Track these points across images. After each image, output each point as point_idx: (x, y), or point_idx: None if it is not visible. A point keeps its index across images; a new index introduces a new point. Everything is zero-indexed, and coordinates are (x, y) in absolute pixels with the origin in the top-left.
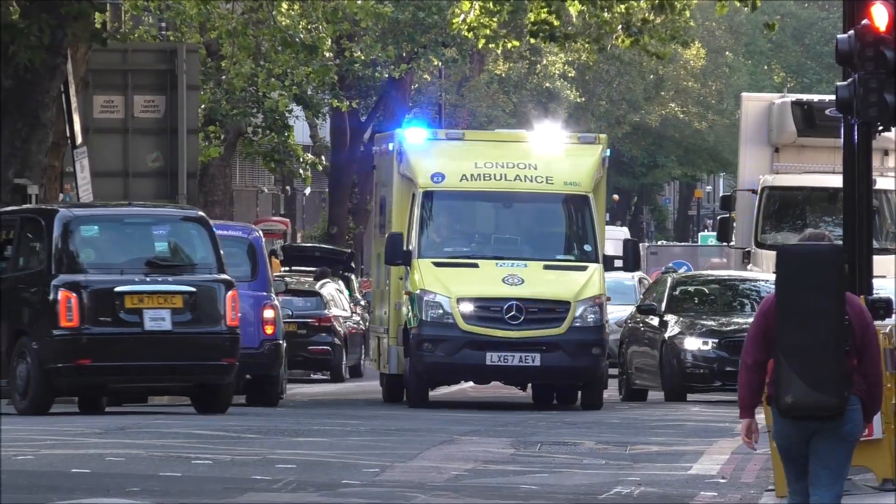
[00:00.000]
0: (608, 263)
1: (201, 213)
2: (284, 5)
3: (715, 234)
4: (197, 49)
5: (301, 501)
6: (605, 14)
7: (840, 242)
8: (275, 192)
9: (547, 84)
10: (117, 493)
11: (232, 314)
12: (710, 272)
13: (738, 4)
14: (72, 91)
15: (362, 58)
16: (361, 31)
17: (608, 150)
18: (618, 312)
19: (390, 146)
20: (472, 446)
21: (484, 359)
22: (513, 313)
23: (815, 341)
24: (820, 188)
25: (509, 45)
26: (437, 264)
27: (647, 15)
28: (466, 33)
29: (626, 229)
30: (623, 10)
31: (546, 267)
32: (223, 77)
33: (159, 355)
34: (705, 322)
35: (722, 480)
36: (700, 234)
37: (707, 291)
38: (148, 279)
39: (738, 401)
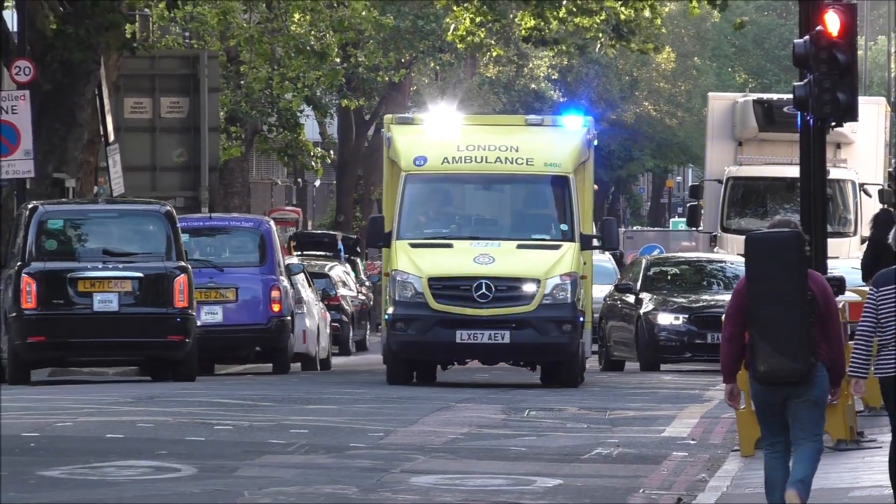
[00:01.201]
0: (586, 242)
1: (167, 209)
2: (297, 16)
3: (685, 220)
4: (218, 56)
5: (313, 462)
6: (586, 20)
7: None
8: (288, 184)
9: (533, 85)
10: (147, 455)
11: (180, 297)
12: (680, 254)
13: (707, 7)
14: (105, 94)
15: (366, 63)
16: (365, 38)
17: (594, 133)
18: (597, 292)
19: (383, 131)
20: (467, 412)
21: (454, 337)
22: (482, 291)
23: (782, 316)
24: (779, 178)
25: (495, 53)
26: (413, 245)
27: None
28: (459, 44)
29: None
30: (603, 18)
31: (520, 246)
32: (242, 81)
33: (106, 333)
34: (677, 299)
35: (692, 442)
36: (671, 220)
37: (678, 272)
38: (100, 266)
39: (721, 369)
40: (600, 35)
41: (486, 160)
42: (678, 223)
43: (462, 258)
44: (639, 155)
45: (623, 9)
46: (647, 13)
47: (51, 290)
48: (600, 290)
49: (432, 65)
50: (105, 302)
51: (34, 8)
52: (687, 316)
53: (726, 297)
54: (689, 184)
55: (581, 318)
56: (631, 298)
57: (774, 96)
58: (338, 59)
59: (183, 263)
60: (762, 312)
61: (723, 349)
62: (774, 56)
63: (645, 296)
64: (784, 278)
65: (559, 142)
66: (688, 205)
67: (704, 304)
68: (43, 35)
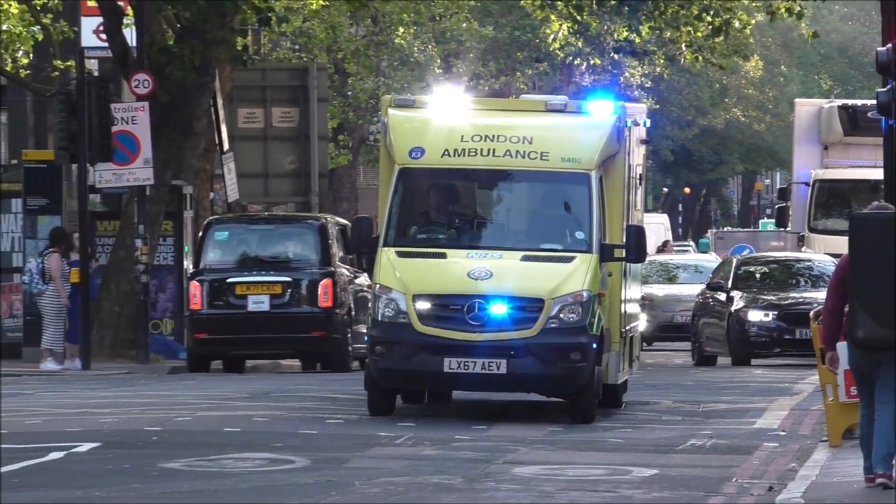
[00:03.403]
0: (607, 253)
1: (320, 223)
2: (401, 29)
3: (773, 221)
4: (326, 68)
5: (419, 454)
6: (669, 33)
7: None
8: None
9: (627, 93)
10: (263, 448)
11: (324, 297)
12: (769, 254)
13: (787, 18)
14: (220, 104)
15: (466, 72)
16: (466, 49)
17: (629, 121)
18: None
19: (380, 115)
20: (566, 405)
21: (442, 365)
22: (475, 312)
23: (881, 288)
24: (864, 180)
25: (593, 62)
26: (400, 254)
27: (706, 38)
28: (560, 53)
29: (665, 217)
30: (689, 31)
31: (525, 258)
32: (349, 91)
33: (258, 330)
34: (766, 297)
35: (782, 433)
36: (760, 221)
37: (767, 270)
38: (254, 272)
39: (822, 339)
40: (688, 48)
41: (493, 153)
42: (767, 224)
43: (454, 272)
44: (729, 159)
45: (705, 23)
46: (736, 24)
47: (213, 293)
48: (697, 288)
49: (530, 73)
50: (258, 303)
51: (152, 23)
52: (776, 313)
53: (814, 294)
54: (778, 186)
55: (594, 345)
56: (722, 296)
57: (858, 102)
58: (440, 70)
59: (330, 269)
60: (862, 284)
61: (825, 320)
62: (858, 63)
63: (736, 294)
64: (884, 253)
65: (582, 132)
66: (776, 206)
67: (793, 301)
68: (159, 49)
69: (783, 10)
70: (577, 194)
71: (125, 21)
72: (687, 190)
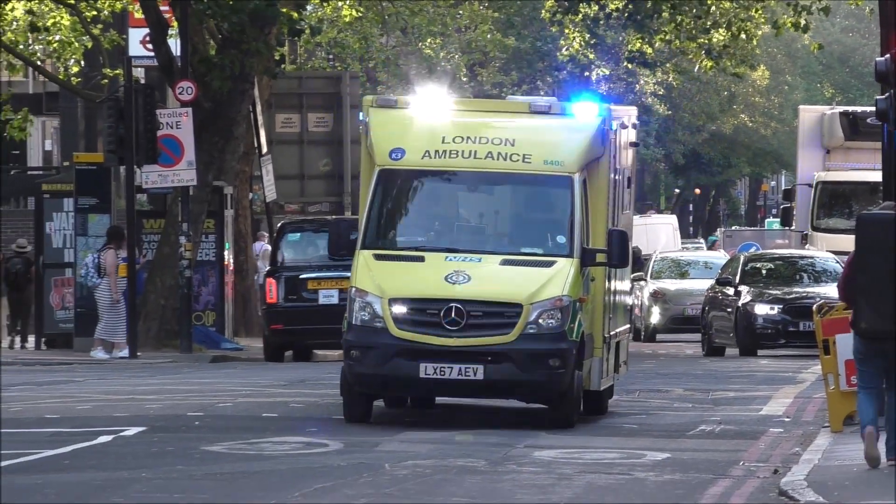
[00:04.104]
0: (589, 258)
1: None
2: (428, 40)
3: (779, 220)
4: (358, 76)
5: (447, 438)
6: (683, 43)
7: None
8: None
9: (641, 100)
10: (299, 433)
11: None
12: (774, 251)
13: (792, 30)
14: (258, 110)
15: (491, 80)
16: (490, 59)
17: (614, 124)
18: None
19: (360, 115)
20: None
21: (417, 370)
22: (451, 317)
23: (883, 282)
24: (863, 182)
25: (603, 72)
26: (378, 257)
27: (725, 43)
28: (569, 63)
29: (674, 217)
30: (706, 40)
31: (504, 262)
32: None
33: (328, 321)
34: (772, 291)
35: (786, 419)
36: (766, 220)
37: (773, 267)
38: (324, 269)
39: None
40: (700, 56)
41: (474, 155)
42: (772, 223)
43: (431, 275)
44: (737, 162)
45: (720, 32)
46: (742, 36)
47: (288, 289)
48: (707, 283)
49: (550, 81)
50: (328, 297)
51: (195, 35)
52: (781, 306)
53: (817, 289)
54: (783, 188)
55: (574, 351)
56: (730, 291)
57: (859, 109)
58: (466, 79)
59: None
60: (866, 278)
61: (841, 297)
62: (858, 73)
63: (743, 288)
64: (885, 250)
65: (565, 134)
66: (781, 206)
67: (797, 295)
68: (202, 58)
69: (789, 24)
70: (559, 197)
71: (170, 32)
72: (697, 191)
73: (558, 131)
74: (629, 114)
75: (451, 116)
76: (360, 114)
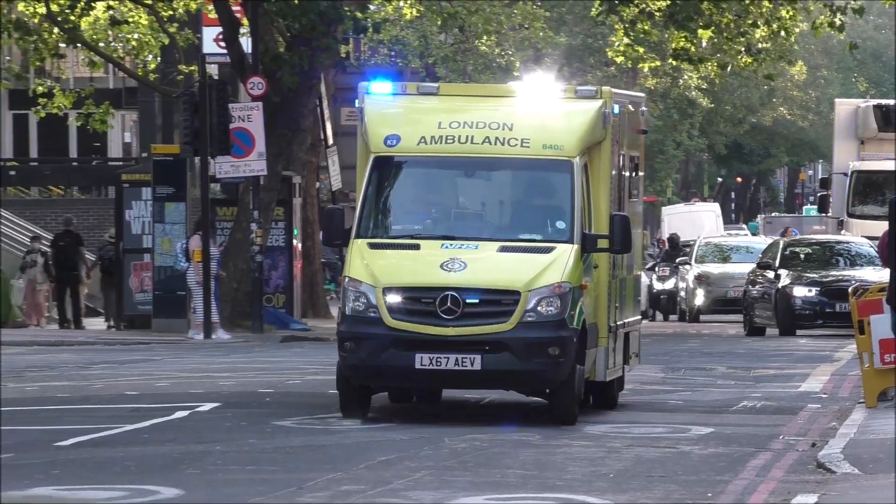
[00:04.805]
0: (590, 243)
1: None
2: (485, 37)
3: (816, 207)
4: (419, 71)
5: (503, 414)
6: (730, 43)
7: None
8: None
9: (686, 94)
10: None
11: None
12: (812, 237)
13: (828, 30)
14: (325, 104)
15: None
16: (543, 55)
17: (616, 107)
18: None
19: (357, 102)
20: (631, 372)
21: (413, 361)
22: (447, 306)
23: None
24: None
25: (651, 65)
26: (372, 246)
27: (764, 41)
28: (618, 58)
29: (716, 205)
30: (745, 41)
31: (502, 249)
32: None
33: None
34: (810, 274)
35: (824, 395)
36: (804, 207)
37: (810, 251)
38: None
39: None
40: (739, 54)
41: (471, 140)
42: (810, 210)
43: (426, 264)
44: (776, 152)
45: (759, 30)
46: (782, 33)
47: None
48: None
49: (600, 75)
50: None
51: (265, 33)
52: (819, 289)
53: (852, 272)
54: (819, 176)
55: (575, 339)
56: (771, 274)
57: (891, 102)
58: (520, 74)
59: None
60: None
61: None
62: (891, 68)
63: (782, 272)
64: None
65: (565, 118)
66: (818, 194)
67: (833, 278)
68: (271, 55)
69: (826, 23)
70: (558, 182)
71: (241, 31)
72: (739, 180)
73: (557, 115)
74: (637, 100)
75: (448, 102)
76: (356, 101)
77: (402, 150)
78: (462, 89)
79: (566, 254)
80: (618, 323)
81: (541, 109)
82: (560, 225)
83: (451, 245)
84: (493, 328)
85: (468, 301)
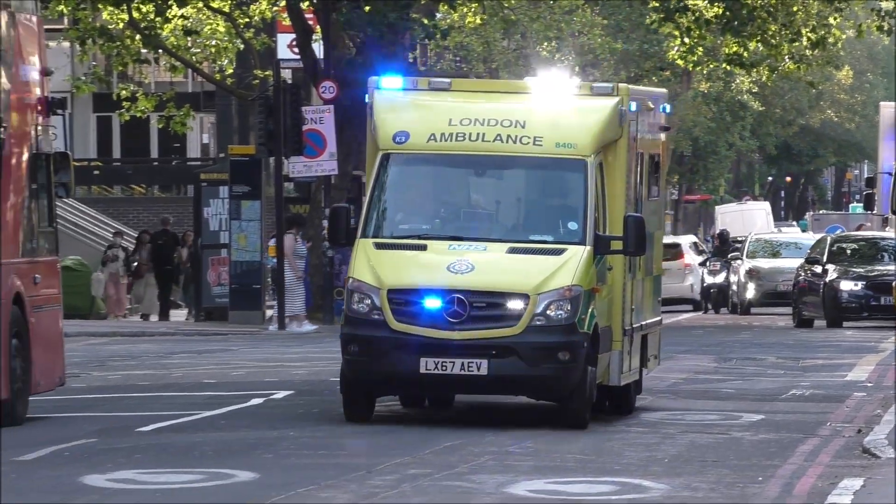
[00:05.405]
0: (603, 245)
1: None
2: (545, 44)
3: (862, 205)
4: (483, 76)
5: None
6: (776, 49)
7: None
8: None
9: (738, 97)
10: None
11: None
12: (858, 233)
13: (875, 33)
14: None
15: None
16: (601, 60)
17: (633, 105)
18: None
19: (366, 98)
20: (685, 361)
21: (418, 365)
22: (454, 309)
23: None
24: None
25: (708, 67)
26: (378, 246)
27: (809, 49)
28: (680, 61)
29: (767, 203)
30: (791, 47)
31: (511, 250)
32: None
33: None
34: (856, 269)
35: (869, 384)
36: (850, 205)
37: (857, 247)
38: None
39: None
40: (790, 59)
41: (482, 138)
42: (856, 207)
43: (433, 265)
44: (824, 152)
45: (806, 36)
46: (831, 40)
47: None
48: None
49: (655, 80)
50: None
51: (336, 40)
52: (864, 282)
53: None
54: (865, 176)
55: (586, 344)
56: (818, 269)
57: None
58: (578, 78)
59: None
60: None
61: None
62: None
63: (830, 266)
64: None
65: (580, 115)
66: (864, 193)
67: (878, 273)
68: (342, 61)
69: (874, 28)
70: (571, 182)
71: (314, 37)
72: (788, 179)
73: (572, 112)
74: (659, 97)
75: (460, 98)
76: (366, 96)
77: (411, 147)
78: (475, 85)
79: (578, 256)
80: (634, 325)
81: (555, 106)
82: (572, 226)
83: (458, 246)
84: (500, 332)
85: (475, 304)
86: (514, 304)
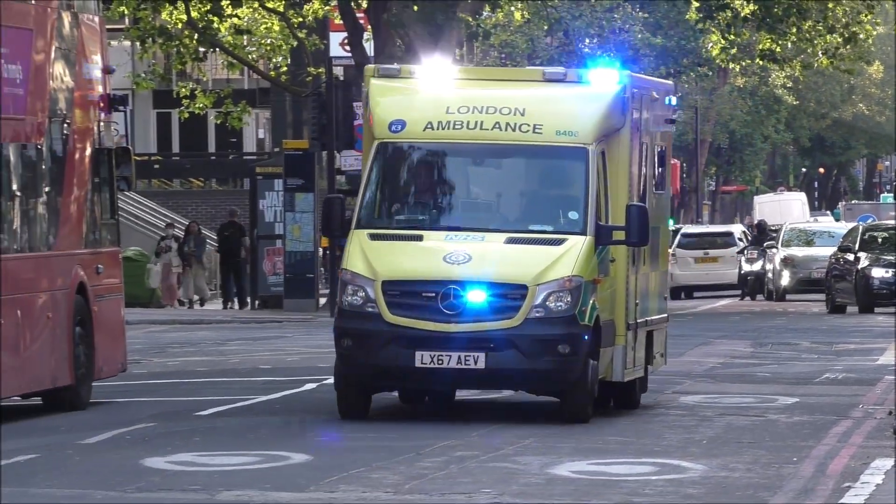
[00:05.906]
0: (605, 235)
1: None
2: (587, 40)
3: (892, 195)
4: None
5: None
6: (808, 45)
7: None
8: None
9: (773, 91)
10: None
11: None
12: (888, 222)
13: None
14: None
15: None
16: (641, 55)
17: (637, 94)
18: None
19: (363, 86)
20: (722, 346)
21: (413, 359)
22: (450, 300)
23: None
24: None
25: (744, 63)
26: (373, 236)
27: (839, 44)
28: (717, 57)
29: (803, 194)
30: (824, 42)
31: (509, 240)
32: None
33: None
34: (887, 257)
35: None
36: (881, 195)
37: (887, 235)
38: None
39: None
40: (823, 54)
41: (481, 126)
42: (887, 197)
43: (429, 256)
44: (855, 144)
45: (838, 33)
46: (862, 36)
47: None
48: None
49: (693, 75)
50: None
51: (386, 38)
52: (895, 270)
53: None
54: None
55: (586, 337)
56: (851, 256)
57: None
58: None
59: None
60: None
61: None
62: None
63: (861, 254)
64: None
65: (580, 103)
66: (894, 183)
67: None
68: (392, 58)
69: None
70: (572, 170)
71: (365, 36)
72: (821, 170)
73: (572, 100)
74: (665, 89)
75: (458, 86)
76: (363, 85)
77: (407, 135)
78: (476, 73)
79: (578, 246)
80: (638, 321)
81: (555, 94)
82: (573, 216)
83: (455, 236)
84: (498, 324)
85: (472, 296)
86: (512, 296)
